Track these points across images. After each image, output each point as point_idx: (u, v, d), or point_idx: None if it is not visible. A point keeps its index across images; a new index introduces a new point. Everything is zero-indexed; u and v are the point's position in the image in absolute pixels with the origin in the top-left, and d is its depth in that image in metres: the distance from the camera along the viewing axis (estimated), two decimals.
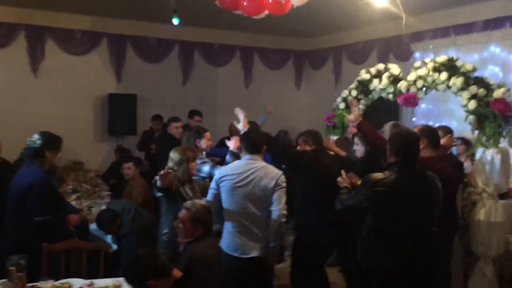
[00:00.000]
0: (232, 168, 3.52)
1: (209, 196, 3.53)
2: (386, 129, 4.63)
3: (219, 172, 3.56)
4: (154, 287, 2.32)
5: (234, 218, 3.42)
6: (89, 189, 5.72)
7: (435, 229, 2.99)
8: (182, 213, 2.95)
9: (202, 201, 3.16)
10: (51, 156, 3.55)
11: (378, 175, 2.92)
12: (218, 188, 3.49)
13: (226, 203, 3.47)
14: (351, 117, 4.05)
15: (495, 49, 5.95)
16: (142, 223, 4.28)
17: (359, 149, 4.24)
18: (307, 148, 3.94)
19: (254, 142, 3.56)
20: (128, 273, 2.43)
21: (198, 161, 4.00)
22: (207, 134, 4.38)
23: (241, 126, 3.94)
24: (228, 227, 3.47)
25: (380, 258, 2.94)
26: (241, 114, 4.00)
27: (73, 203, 4.88)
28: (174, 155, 3.62)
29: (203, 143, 4.27)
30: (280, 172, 3.50)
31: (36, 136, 3.54)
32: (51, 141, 3.58)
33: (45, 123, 7.03)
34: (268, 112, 6.70)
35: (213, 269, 2.83)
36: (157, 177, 3.32)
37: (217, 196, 3.51)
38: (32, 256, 3.03)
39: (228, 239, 3.46)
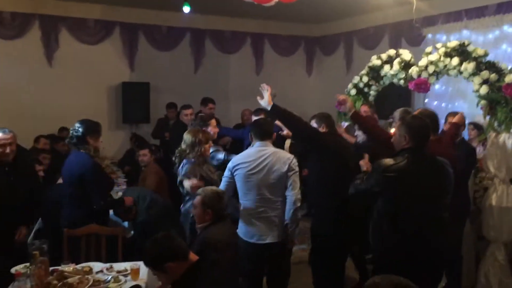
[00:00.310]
0: (245, 156, 3.57)
1: (222, 184, 3.58)
2: (396, 116, 4.65)
3: (232, 161, 3.61)
4: (172, 270, 2.41)
5: (250, 205, 3.49)
6: None
7: (446, 215, 3.01)
8: (195, 199, 3.06)
9: (214, 187, 3.25)
10: (93, 142, 3.78)
11: (388, 161, 2.96)
12: (232, 176, 3.55)
13: (241, 190, 3.54)
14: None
15: (508, 28, 5.91)
16: (158, 210, 4.38)
17: (360, 134, 4.31)
18: (321, 130, 3.88)
19: (263, 128, 3.61)
20: (147, 256, 2.53)
21: (211, 149, 4.09)
22: (213, 121, 4.54)
23: (265, 102, 3.72)
24: (244, 214, 3.53)
25: (390, 242, 2.98)
26: (265, 90, 3.78)
27: None
28: (186, 137, 3.79)
29: (210, 130, 4.34)
30: (291, 156, 3.55)
31: (77, 125, 3.77)
32: (91, 127, 3.81)
33: (60, 112, 7.23)
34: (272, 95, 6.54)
35: (225, 253, 2.90)
36: (185, 182, 3.64)
37: (231, 184, 3.57)
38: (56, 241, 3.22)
39: (244, 225, 3.52)
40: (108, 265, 3.24)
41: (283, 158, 3.49)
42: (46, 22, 7.29)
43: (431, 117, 3.63)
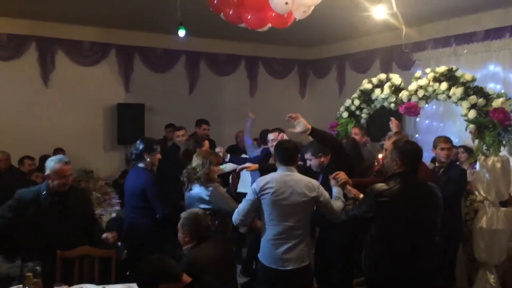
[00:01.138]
0: (271, 180, 3.35)
1: (245, 205, 3.41)
2: (391, 136, 4.72)
3: (257, 183, 3.39)
4: None
5: (273, 230, 3.32)
6: (99, 197, 5.85)
7: (437, 239, 3.04)
8: None
9: (194, 209, 3.26)
10: (151, 158, 4.08)
11: (381, 186, 2.99)
12: (258, 199, 3.34)
13: (268, 215, 3.34)
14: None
15: (494, 68, 6.08)
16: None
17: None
18: (321, 161, 3.97)
19: (288, 153, 3.42)
20: (140, 277, 2.54)
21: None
22: (206, 142, 4.63)
23: (303, 127, 3.68)
24: (267, 239, 3.36)
25: (383, 267, 3.00)
26: (299, 119, 3.72)
27: None
28: (197, 158, 3.81)
29: None
30: (317, 183, 3.41)
31: (138, 142, 4.11)
32: (148, 145, 4.09)
33: (55, 133, 7.27)
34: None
35: (215, 272, 2.91)
36: None
37: (251, 206, 3.39)
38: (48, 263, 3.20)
39: (266, 251, 3.37)
40: (101, 286, 3.23)
41: (309, 184, 3.33)
42: (42, 44, 7.38)
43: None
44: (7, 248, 4.15)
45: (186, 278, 2.58)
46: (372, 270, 3.09)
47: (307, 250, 3.35)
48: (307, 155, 4.02)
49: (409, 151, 3.06)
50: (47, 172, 3.45)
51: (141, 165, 4.07)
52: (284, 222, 3.27)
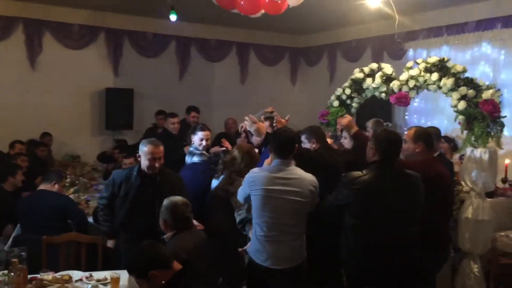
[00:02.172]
0: (264, 173, 3.13)
1: (242, 197, 3.26)
2: (369, 126, 4.76)
3: (250, 176, 3.16)
4: (155, 278, 2.42)
5: (263, 227, 3.09)
6: (86, 182, 5.80)
7: (414, 230, 2.99)
8: None
9: (175, 197, 3.15)
10: None
11: (356, 173, 2.95)
12: (249, 193, 3.15)
13: (256, 210, 3.11)
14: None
15: (486, 47, 6.10)
16: None
17: (346, 142, 4.36)
18: (312, 146, 3.78)
19: (282, 145, 3.15)
20: (131, 264, 2.53)
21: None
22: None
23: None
24: (257, 236, 3.12)
25: (358, 256, 2.97)
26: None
27: (71, 196, 4.96)
28: (239, 150, 3.77)
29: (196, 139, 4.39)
30: (314, 180, 3.15)
31: None
32: None
33: (42, 117, 7.17)
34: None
35: (200, 261, 2.93)
36: None
37: (248, 199, 3.20)
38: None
39: (257, 247, 3.13)
40: (87, 273, 3.22)
41: (306, 181, 3.11)
42: (30, 26, 7.24)
43: (428, 135, 3.61)
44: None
45: (177, 265, 2.58)
46: (348, 259, 3.07)
47: (301, 249, 3.15)
48: (302, 137, 3.86)
49: (383, 139, 3.01)
50: (139, 153, 3.52)
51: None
52: (275, 219, 3.05)
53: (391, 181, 2.97)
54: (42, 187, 4.22)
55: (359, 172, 2.96)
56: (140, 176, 3.53)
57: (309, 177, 3.14)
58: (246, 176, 3.20)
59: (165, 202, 3.11)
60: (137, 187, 3.51)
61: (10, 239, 4.13)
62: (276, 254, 3.06)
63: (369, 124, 4.60)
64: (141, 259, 2.49)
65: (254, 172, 3.18)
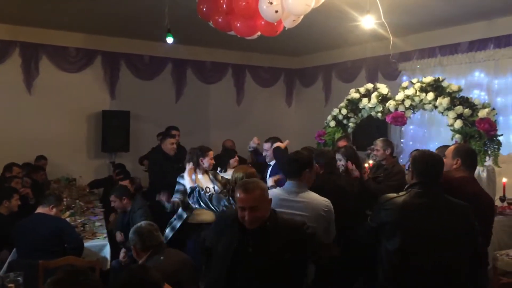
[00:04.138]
0: (280, 195, 3.05)
1: None
2: (378, 144, 4.77)
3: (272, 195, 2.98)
4: None
5: None
6: (82, 205, 5.74)
7: (454, 264, 2.73)
8: None
9: (138, 224, 3.25)
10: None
11: (391, 195, 2.86)
12: None
13: None
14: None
15: (479, 74, 6.18)
16: None
17: (342, 164, 4.34)
18: (317, 169, 3.67)
19: (289, 164, 3.10)
20: (121, 286, 2.48)
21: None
22: (211, 153, 4.44)
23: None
24: None
25: (391, 276, 2.82)
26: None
27: (68, 219, 4.90)
28: (237, 174, 3.51)
29: (206, 161, 4.35)
30: (327, 203, 3.07)
31: None
32: None
33: (38, 140, 7.15)
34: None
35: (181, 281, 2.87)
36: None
37: None
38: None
39: None
40: None
41: (316, 205, 3.03)
42: (26, 49, 7.27)
43: (468, 153, 3.40)
44: None
45: (167, 287, 2.53)
46: (381, 278, 2.91)
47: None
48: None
49: (420, 162, 2.87)
50: None
51: None
52: None
53: (428, 204, 2.79)
54: (40, 210, 4.16)
55: (395, 194, 2.86)
56: None
57: (320, 201, 3.05)
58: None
59: (131, 231, 3.17)
60: None
61: (6, 264, 4.05)
62: None
63: (378, 142, 4.60)
64: (131, 282, 2.44)
65: (275, 192, 3.14)
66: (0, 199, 4.57)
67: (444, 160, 3.27)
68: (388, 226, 2.82)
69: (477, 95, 5.98)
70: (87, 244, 4.38)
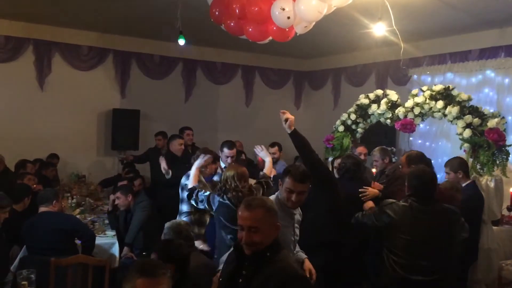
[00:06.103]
0: None
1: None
2: (376, 155, 4.85)
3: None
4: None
5: None
6: (92, 203, 5.81)
7: (443, 265, 3.19)
8: None
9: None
10: None
11: (391, 200, 3.34)
12: None
13: None
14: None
15: (490, 73, 6.18)
16: None
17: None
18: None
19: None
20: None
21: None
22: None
23: (288, 126, 3.58)
24: None
25: (386, 278, 3.28)
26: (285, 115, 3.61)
27: (78, 217, 4.96)
28: (228, 173, 3.56)
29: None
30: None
31: None
32: None
33: (50, 136, 7.23)
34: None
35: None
36: None
37: None
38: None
39: None
40: None
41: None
42: (39, 47, 7.34)
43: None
44: None
45: None
46: (374, 279, 3.48)
47: None
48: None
49: (413, 178, 3.32)
50: None
51: None
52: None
53: (422, 215, 3.20)
54: (43, 209, 4.13)
55: (394, 200, 3.34)
56: None
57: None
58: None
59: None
60: None
61: (17, 260, 4.12)
62: None
63: (376, 153, 4.69)
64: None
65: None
66: (21, 197, 4.59)
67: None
68: (384, 228, 3.30)
69: (486, 94, 6.00)
70: (98, 241, 4.43)
